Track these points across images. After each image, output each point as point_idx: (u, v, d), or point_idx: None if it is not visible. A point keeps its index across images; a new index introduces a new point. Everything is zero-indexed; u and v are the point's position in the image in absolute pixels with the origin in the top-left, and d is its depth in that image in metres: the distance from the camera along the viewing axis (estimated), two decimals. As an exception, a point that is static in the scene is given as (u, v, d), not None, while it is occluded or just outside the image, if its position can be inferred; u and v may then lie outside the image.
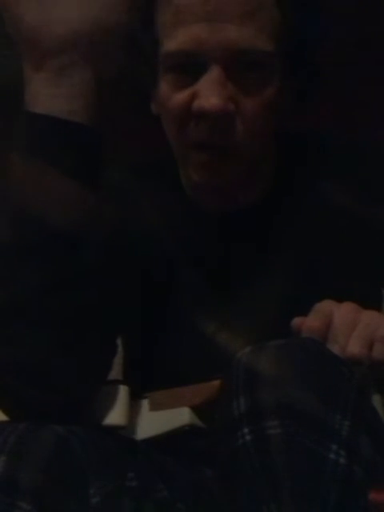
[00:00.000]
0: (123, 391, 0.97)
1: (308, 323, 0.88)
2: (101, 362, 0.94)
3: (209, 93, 0.92)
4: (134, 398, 0.98)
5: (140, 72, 0.99)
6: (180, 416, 0.96)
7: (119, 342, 1.04)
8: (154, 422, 0.97)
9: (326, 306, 0.90)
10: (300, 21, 0.95)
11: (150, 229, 1.04)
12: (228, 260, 1.04)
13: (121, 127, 1.03)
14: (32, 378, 0.88)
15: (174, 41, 0.94)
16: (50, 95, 0.85)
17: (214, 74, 0.93)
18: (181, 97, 0.95)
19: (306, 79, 0.99)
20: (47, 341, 0.87)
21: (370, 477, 0.79)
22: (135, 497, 0.91)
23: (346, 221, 1.03)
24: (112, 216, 0.91)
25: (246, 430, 0.78)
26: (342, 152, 1.06)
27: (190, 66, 0.94)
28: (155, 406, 0.97)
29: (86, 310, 0.88)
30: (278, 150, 1.05)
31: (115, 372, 1.05)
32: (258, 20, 0.93)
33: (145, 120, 1.02)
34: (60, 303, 0.87)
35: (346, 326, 0.87)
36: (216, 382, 0.91)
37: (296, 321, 0.89)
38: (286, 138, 1.04)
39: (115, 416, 0.96)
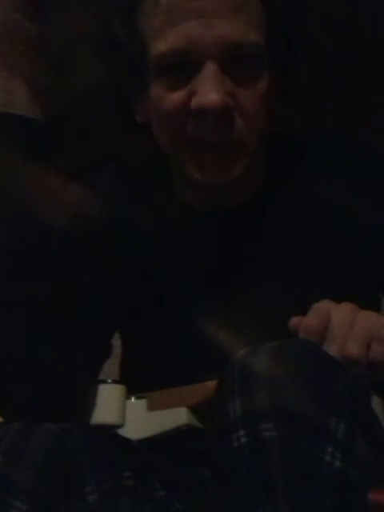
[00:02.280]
0: (119, 391, 0.97)
1: (306, 323, 0.88)
2: (91, 361, 0.94)
3: (208, 89, 0.92)
4: (132, 397, 0.98)
5: (124, 82, 0.98)
6: (178, 416, 0.96)
7: (118, 341, 1.05)
8: (151, 421, 0.97)
9: (324, 305, 0.89)
10: (283, 16, 0.95)
11: (143, 230, 1.04)
12: (223, 260, 1.03)
13: (109, 130, 1.03)
14: (22, 377, 0.88)
15: (165, 41, 0.93)
16: None
17: (210, 70, 0.92)
18: (176, 97, 0.94)
19: (291, 74, 0.98)
20: (36, 340, 0.87)
21: (367, 479, 0.79)
22: (132, 496, 0.91)
23: (340, 219, 1.02)
24: (105, 217, 0.91)
25: (241, 432, 0.78)
26: (333, 151, 1.05)
27: (183, 66, 0.93)
28: (153, 406, 0.97)
29: (76, 311, 0.88)
30: (268, 149, 1.04)
31: (112, 372, 1.05)
32: (246, 14, 0.93)
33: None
34: (49, 302, 0.87)
35: (344, 326, 0.87)
36: (214, 382, 0.90)
37: (294, 320, 0.89)
38: (276, 136, 1.03)
39: (111, 415, 0.96)
